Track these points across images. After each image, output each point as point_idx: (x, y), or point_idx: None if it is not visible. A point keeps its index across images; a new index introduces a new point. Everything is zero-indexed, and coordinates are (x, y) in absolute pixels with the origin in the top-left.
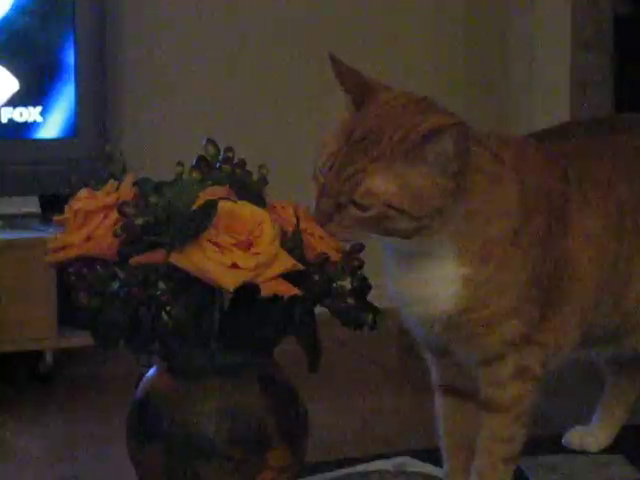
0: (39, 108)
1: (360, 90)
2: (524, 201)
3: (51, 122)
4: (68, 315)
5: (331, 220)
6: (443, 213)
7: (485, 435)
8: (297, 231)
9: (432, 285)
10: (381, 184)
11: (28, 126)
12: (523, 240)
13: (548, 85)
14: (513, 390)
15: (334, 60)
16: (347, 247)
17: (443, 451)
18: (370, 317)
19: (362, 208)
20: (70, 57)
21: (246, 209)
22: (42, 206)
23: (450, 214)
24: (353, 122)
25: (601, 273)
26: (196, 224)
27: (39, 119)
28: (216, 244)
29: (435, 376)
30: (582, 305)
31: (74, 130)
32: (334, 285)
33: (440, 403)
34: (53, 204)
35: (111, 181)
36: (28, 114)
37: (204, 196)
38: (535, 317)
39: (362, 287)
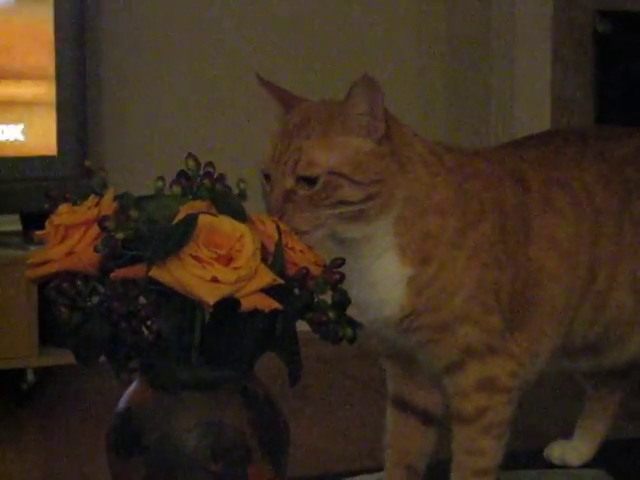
0: (20, 126)
1: (288, 100)
2: (464, 205)
3: (32, 140)
4: (49, 333)
5: (285, 210)
6: (387, 185)
7: (456, 447)
8: (279, 245)
9: (379, 288)
10: (321, 154)
11: (9, 144)
12: (467, 243)
13: (529, 103)
14: (478, 401)
15: (263, 81)
16: (327, 261)
17: (384, 463)
18: (349, 331)
19: (310, 182)
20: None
21: (226, 223)
22: (24, 224)
23: (392, 192)
24: (285, 122)
25: (572, 279)
26: (176, 238)
27: (20, 137)
28: (196, 258)
29: (388, 386)
30: (554, 312)
31: (56, 148)
32: (315, 299)
33: (388, 414)
34: (35, 222)
35: (92, 196)
36: (10, 132)
37: (184, 210)
38: (496, 326)
39: (342, 301)
